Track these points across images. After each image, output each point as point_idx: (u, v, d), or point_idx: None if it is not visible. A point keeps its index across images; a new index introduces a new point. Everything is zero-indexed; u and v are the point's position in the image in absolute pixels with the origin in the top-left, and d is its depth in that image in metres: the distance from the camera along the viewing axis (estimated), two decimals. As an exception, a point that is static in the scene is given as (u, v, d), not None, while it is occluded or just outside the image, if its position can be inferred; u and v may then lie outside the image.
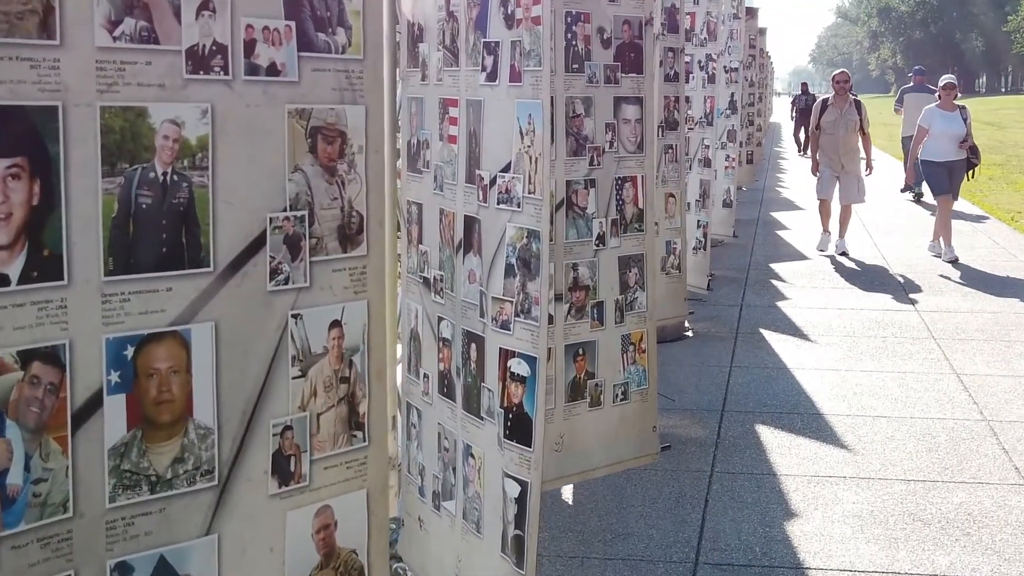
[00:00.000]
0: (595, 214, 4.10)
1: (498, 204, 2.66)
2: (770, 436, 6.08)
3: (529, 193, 2.54)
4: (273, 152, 2.45)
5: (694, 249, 8.86)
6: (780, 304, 9.69)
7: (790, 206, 17.49)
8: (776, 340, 8.34)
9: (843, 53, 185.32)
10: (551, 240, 3.95)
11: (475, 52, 2.76)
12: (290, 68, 2.46)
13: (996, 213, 15.61)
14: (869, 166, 12.19)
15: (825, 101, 11.84)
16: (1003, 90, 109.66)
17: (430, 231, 3.08)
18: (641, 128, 4.22)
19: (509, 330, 2.62)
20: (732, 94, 10.52)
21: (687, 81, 8.10)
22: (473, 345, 2.80)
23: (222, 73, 2.37)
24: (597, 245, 4.14)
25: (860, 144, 11.87)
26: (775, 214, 16.32)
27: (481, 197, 2.74)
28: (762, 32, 20.16)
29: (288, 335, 2.49)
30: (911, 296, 9.94)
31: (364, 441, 2.66)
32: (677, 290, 6.95)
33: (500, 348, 2.66)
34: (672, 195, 6.87)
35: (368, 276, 2.61)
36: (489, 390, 2.74)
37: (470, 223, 2.82)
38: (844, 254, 11.96)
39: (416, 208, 3.16)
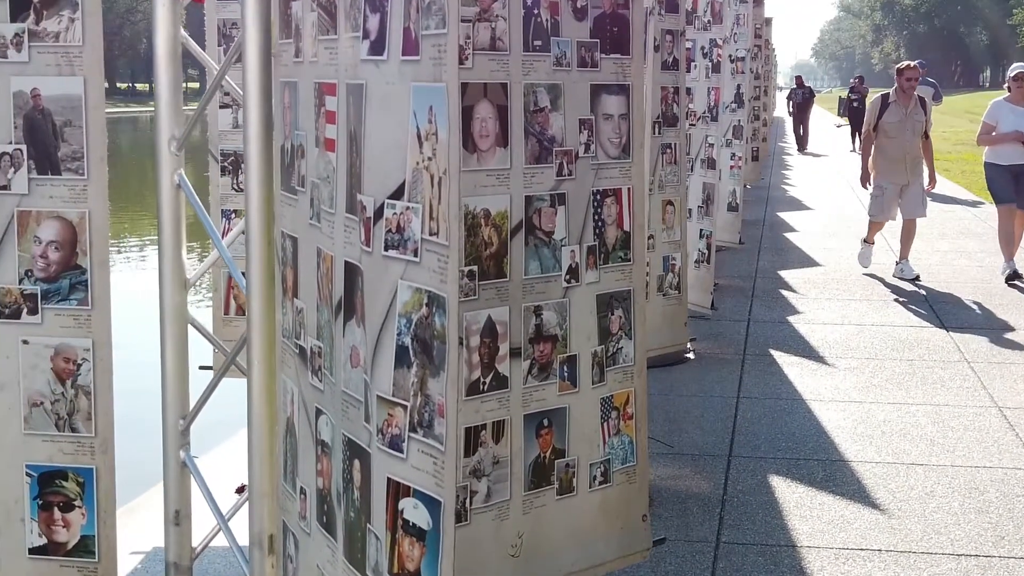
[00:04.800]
0: (565, 240, 3.10)
1: (385, 249, 1.67)
2: (786, 491, 5.11)
3: (431, 235, 1.56)
4: None
5: (696, 262, 7.87)
6: (791, 319, 8.73)
7: (797, 205, 16.58)
8: (788, 363, 7.37)
9: (846, 47, 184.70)
10: (505, 277, 2.96)
11: (355, 10, 1.77)
12: None
13: (1018, 214, 14.62)
14: (933, 180, 10.45)
15: (886, 98, 10.00)
16: (1007, 85, 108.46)
17: (306, 280, 2.09)
18: (627, 125, 3.22)
19: (401, 452, 1.64)
20: (738, 86, 9.52)
21: (688, 70, 7.11)
22: (356, 462, 1.83)
23: None
24: (568, 281, 3.13)
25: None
26: (782, 214, 15.39)
27: (363, 237, 1.76)
28: (768, 22, 19.18)
29: None
30: (936, 310, 8.96)
31: None
32: (676, 314, 5.96)
33: (388, 478, 1.67)
34: (671, 203, 5.89)
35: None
36: (377, 537, 1.76)
37: (352, 275, 1.84)
38: (916, 279, 10.11)
39: (291, 244, 2.17)
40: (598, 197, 3.17)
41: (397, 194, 1.64)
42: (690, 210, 7.78)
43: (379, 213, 1.69)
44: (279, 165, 2.20)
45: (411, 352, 1.60)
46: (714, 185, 8.07)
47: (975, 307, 9.10)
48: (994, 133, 9.88)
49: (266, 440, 2.29)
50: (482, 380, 2.92)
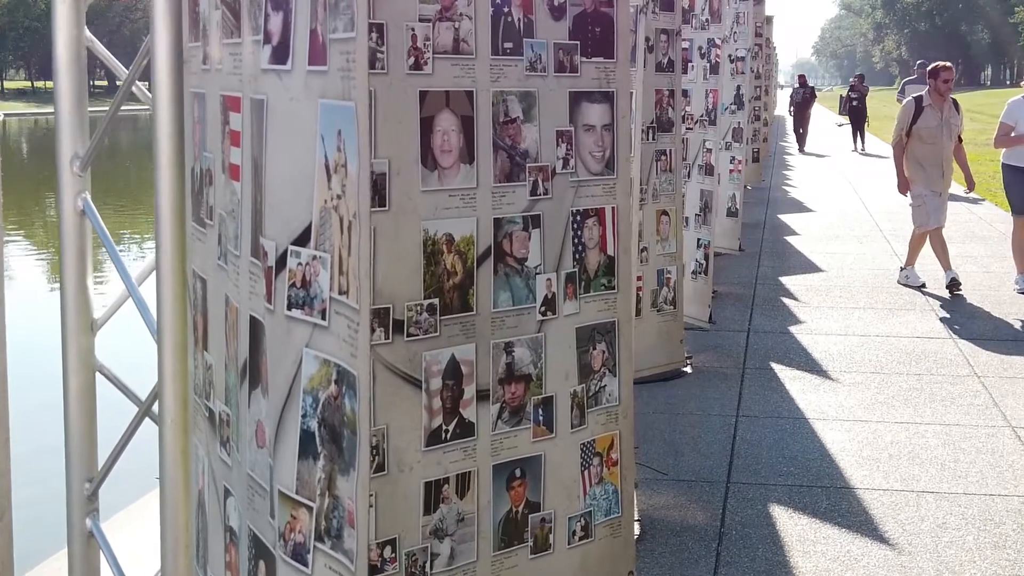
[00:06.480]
0: (540, 267, 2.75)
1: (288, 308, 1.33)
2: (788, 523, 4.77)
3: (340, 293, 1.22)
4: None
5: (693, 273, 7.51)
6: (793, 329, 8.38)
7: (799, 207, 16.24)
8: (790, 378, 7.03)
9: (847, 45, 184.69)
10: (471, 310, 2.61)
11: (256, 7, 1.43)
12: None
13: (1025, 216, 14.23)
14: (971, 182, 9.96)
15: (919, 101, 9.39)
16: (1008, 83, 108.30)
17: (215, 331, 1.74)
18: (611, 137, 2.88)
19: (305, 565, 1.31)
20: (738, 87, 9.16)
21: (685, 71, 6.76)
22: (262, 565, 1.48)
23: None
24: (544, 313, 2.78)
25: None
26: (783, 216, 15.04)
27: (265, 290, 1.42)
28: (769, 20, 18.83)
29: None
30: (944, 319, 8.61)
31: None
32: (672, 330, 5.61)
33: (292, 596, 1.33)
34: (666, 212, 5.54)
35: None
36: (283, 662, 1.42)
37: (257, 333, 1.49)
38: (923, 287, 9.70)
39: (201, 286, 1.82)
40: (578, 218, 2.82)
41: (302, 240, 1.30)
42: (687, 219, 7.43)
43: (281, 262, 1.36)
44: (190, 191, 1.86)
45: (317, 440, 1.26)
46: (712, 192, 7.72)
47: (983, 316, 8.75)
48: (1013, 134, 9.39)
49: (181, 512, 1.95)
50: (444, 428, 2.57)
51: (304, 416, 1.29)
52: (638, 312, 6.21)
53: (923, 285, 9.78)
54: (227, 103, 1.62)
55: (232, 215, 1.60)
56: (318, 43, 1.27)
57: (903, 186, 9.65)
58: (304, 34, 1.30)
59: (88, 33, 2.11)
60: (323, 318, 1.26)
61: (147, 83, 2.07)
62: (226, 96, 1.63)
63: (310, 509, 1.29)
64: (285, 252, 1.35)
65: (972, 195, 16.72)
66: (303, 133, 1.30)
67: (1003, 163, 9.58)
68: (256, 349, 1.49)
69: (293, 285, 1.33)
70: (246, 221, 1.53)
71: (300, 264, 1.31)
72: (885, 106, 41.37)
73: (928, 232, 9.62)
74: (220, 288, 1.70)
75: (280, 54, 1.38)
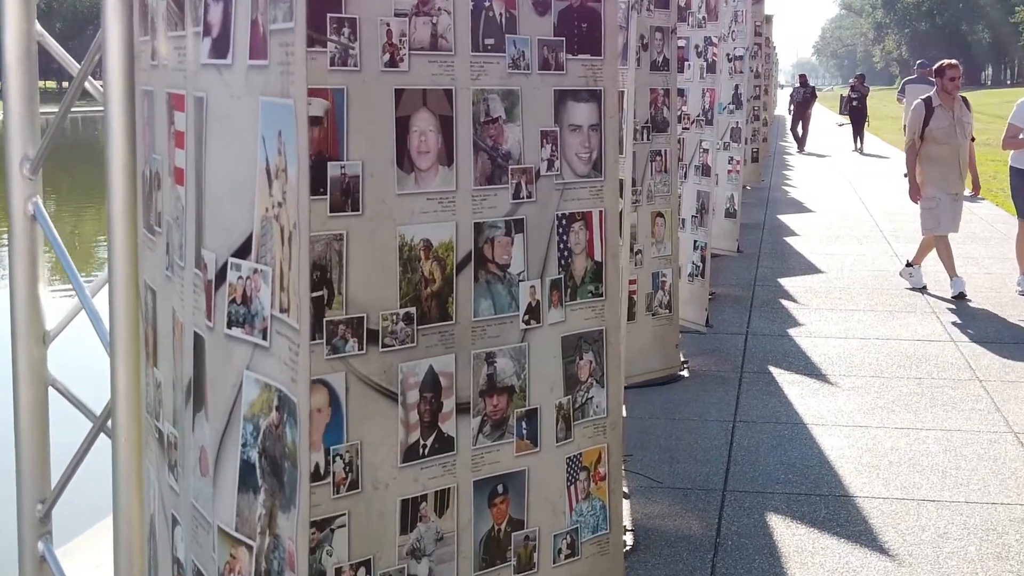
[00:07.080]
0: (524, 274, 2.63)
1: (228, 326, 1.22)
2: (786, 533, 4.65)
3: (281, 311, 1.10)
4: None
5: (690, 276, 7.39)
6: (792, 332, 8.26)
7: (799, 208, 16.12)
8: (789, 382, 6.91)
9: (847, 45, 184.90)
10: (450, 319, 2.49)
11: (196, -4, 1.31)
12: None
13: (1027, 217, 14.10)
14: (978, 185, 9.84)
15: (928, 102, 9.17)
16: (1008, 82, 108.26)
17: (164, 347, 1.63)
18: (599, 137, 2.76)
19: (246, 610, 1.18)
20: (736, 86, 9.03)
21: (681, 70, 6.64)
22: (206, 602, 1.36)
23: None
24: (527, 322, 2.66)
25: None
26: (783, 217, 14.93)
27: (205, 305, 1.30)
28: (768, 19, 18.70)
29: None
30: (945, 322, 8.50)
31: None
32: (667, 335, 5.49)
33: (232, 642, 1.21)
34: (661, 214, 5.41)
35: None
36: None
37: (200, 352, 1.37)
38: (924, 289, 9.58)
39: (151, 298, 1.70)
40: (563, 222, 2.70)
41: (243, 251, 1.19)
42: (683, 220, 7.32)
43: (221, 275, 1.24)
44: (141, 195, 1.74)
45: (258, 472, 1.15)
46: (709, 193, 7.60)
47: (985, 319, 8.64)
48: (1021, 136, 9.22)
49: (136, 536, 1.83)
50: (422, 443, 2.45)
51: (244, 445, 1.18)
52: (632, 316, 6.09)
53: (925, 287, 9.66)
54: (172, 101, 1.50)
55: (177, 222, 1.49)
56: (259, 35, 1.15)
57: (915, 192, 9.40)
58: (245, 25, 1.18)
59: (39, 27, 1.99)
60: (264, 338, 1.14)
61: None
62: (171, 94, 1.51)
63: (250, 548, 1.17)
64: (225, 264, 1.24)
65: (969, 194, 16.61)
66: (244, 133, 1.18)
67: (1011, 166, 9.40)
68: (200, 369, 1.38)
69: (233, 301, 1.21)
70: (190, 229, 1.41)
71: (241, 278, 1.19)
72: (885, 106, 41.26)
73: (945, 237, 9.47)
74: (168, 301, 1.58)
75: (220, 47, 1.26)
